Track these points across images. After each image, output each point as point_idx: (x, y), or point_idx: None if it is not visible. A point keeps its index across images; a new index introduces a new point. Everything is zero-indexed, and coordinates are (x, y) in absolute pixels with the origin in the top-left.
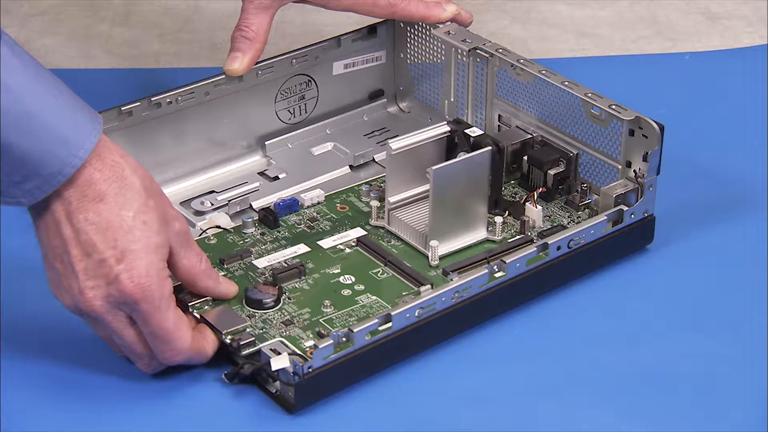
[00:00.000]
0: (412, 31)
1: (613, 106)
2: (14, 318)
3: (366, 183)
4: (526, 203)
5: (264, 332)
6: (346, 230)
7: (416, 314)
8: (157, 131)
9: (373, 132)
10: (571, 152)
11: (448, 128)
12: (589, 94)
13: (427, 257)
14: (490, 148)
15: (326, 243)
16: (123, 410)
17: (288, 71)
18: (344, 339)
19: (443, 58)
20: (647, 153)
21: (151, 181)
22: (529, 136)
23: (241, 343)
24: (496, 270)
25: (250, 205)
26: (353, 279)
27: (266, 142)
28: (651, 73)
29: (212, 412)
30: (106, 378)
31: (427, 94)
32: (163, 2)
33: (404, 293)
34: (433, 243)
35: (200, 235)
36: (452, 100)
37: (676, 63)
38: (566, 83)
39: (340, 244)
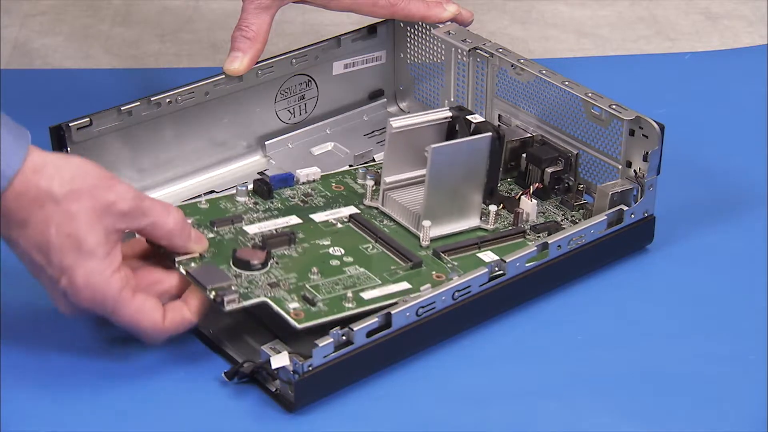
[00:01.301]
0: (412, 31)
1: (613, 106)
2: (14, 318)
3: (363, 166)
4: (522, 196)
5: (249, 291)
6: (339, 207)
7: (416, 314)
8: (157, 131)
9: (373, 132)
10: (570, 152)
11: (450, 113)
12: (589, 94)
13: (419, 238)
14: (490, 133)
15: (318, 217)
16: (123, 409)
17: (288, 71)
18: (344, 338)
19: (443, 58)
20: (647, 153)
21: (73, 176)
22: (529, 135)
23: (225, 299)
24: (497, 270)
25: None
26: (342, 251)
27: (266, 142)
28: (651, 73)
29: (212, 410)
30: (106, 377)
31: (427, 94)
32: (163, 2)
33: (393, 267)
34: (426, 223)
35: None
36: (452, 100)
37: (676, 63)
38: (566, 83)
39: (333, 219)
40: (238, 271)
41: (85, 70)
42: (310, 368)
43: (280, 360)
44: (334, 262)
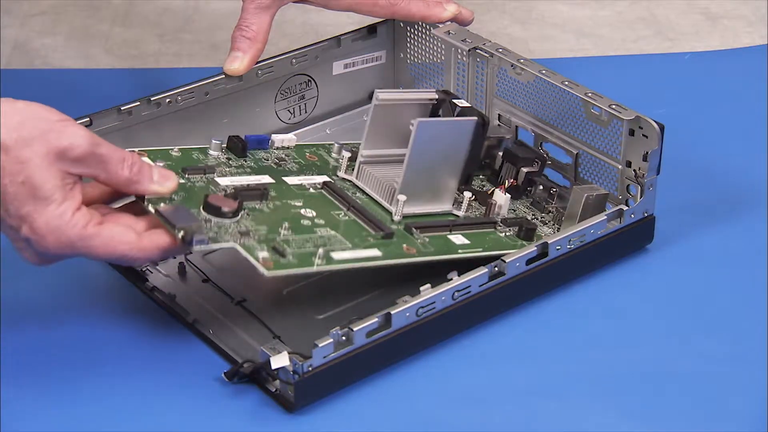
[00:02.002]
0: (412, 31)
1: (613, 106)
2: (14, 318)
3: (339, 142)
4: (496, 190)
5: (218, 236)
6: (312, 175)
7: (416, 314)
8: (157, 131)
9: None
10: (546, 154)
11: (437, 95)
12: (589, 94)
13: (391, 213)
14: (475, 117)
15: (291, 180)
16: (122, 409)
17: (288, 71)
18: (344, 338)
19: (443, 58)
20: (647, 153)
21: (21, 121)
22: (508, 136)
23: (195, 238)
24: (495, 270)
25: None
26: (314, 214)
27: None
28: (651, 73)
29: (212, 410)
30: (105, 377)
31: None
32: (163, 2)
33: (363, 234)
34: (401, 197)
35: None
36: None
37: (676, 63)
38: (566, 83)
39: (306, 183)
40: (209, 216)
41: (85, 70)
42: (310, 368)
43: (280, 360)
44: (306, 222)
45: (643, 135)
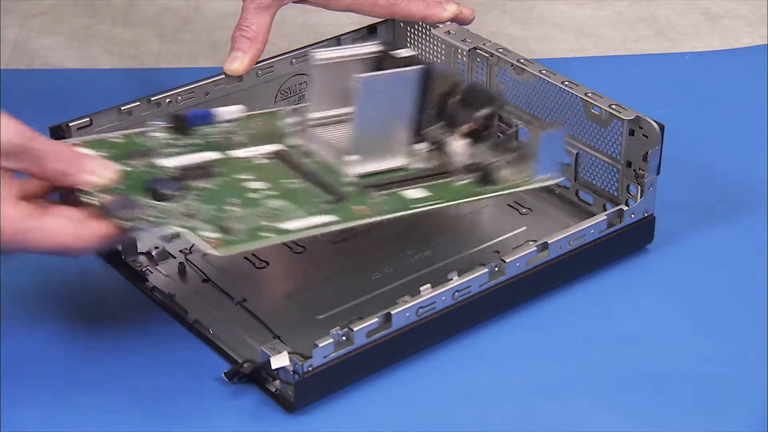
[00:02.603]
0: (412, 31)
1: (613, 106)
2: (13, 318)
3: (287, 108)
4: (451, 138)
5: (163, 221)
6: (262, 145)
7: (416, 314)
8: None
9: None
10: (502, 97)
11: (378, 48)
12: (589, 94)
13: (343, 174)
14: (420, 66)
15: (240, 153)
16: (122, 409)
17: (288, 71)
18: (344, 338)
19: (443, 58)
20: (647, 153)
21: None
22: (459, 77)
23: (134, 226)
24: (496, 268)
25: None
26: (264, 185)
27: None
28: (651, 73)
29: (212, 410)
30: (105, 377)
31: None
32: (163, 2)
33: (315, 200)
34: (351, 157)
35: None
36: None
37: (676, 63)
38: (566, 83)
39: (255, 155)
40: (153, 202)
41: (85, 70)
42: (310, 368)
43: (280, 360)
44: (255, 195)
45: (643, 135)
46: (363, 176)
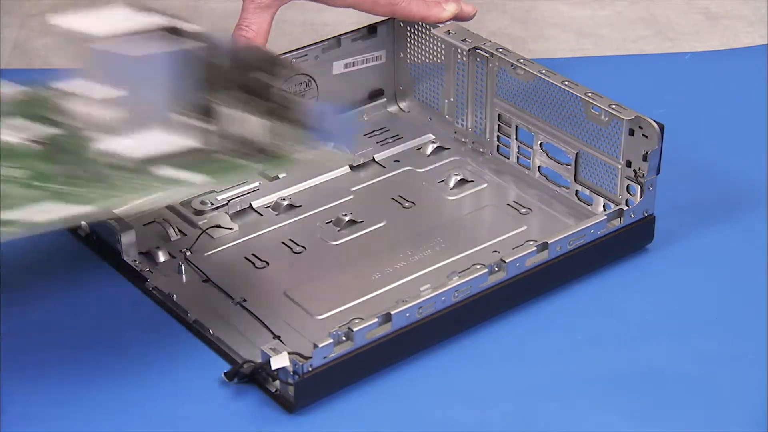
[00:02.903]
0: (412, 30)
1: (613, 106)
2: (13, 317)
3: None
4: (226, 107)
5: None
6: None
7: (416, 313)
8: None
9: (373, 132)
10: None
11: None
12: (589, 94)
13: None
14: (170, 49)
15: None
16: (122, 409)
17: (288, 71)
18: (344, 338)
19: (443, 57)
20: (647, 153)
21: None
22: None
23: None
24: (496, 269)
25: (250, 204)
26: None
27: None
28: (651, 73)
29: (212, 411)
30: (105, 377)
31: (427, 94)
32: (163, 2)
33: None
34: (124, 141)
35: (199, 236)
36: (452, 99)
37: (676, 63)
38: (566, 83)
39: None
40: None
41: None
42: (310, 368)
43: (280, 360)
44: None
45: (643, 135)
46: (149, 160)
